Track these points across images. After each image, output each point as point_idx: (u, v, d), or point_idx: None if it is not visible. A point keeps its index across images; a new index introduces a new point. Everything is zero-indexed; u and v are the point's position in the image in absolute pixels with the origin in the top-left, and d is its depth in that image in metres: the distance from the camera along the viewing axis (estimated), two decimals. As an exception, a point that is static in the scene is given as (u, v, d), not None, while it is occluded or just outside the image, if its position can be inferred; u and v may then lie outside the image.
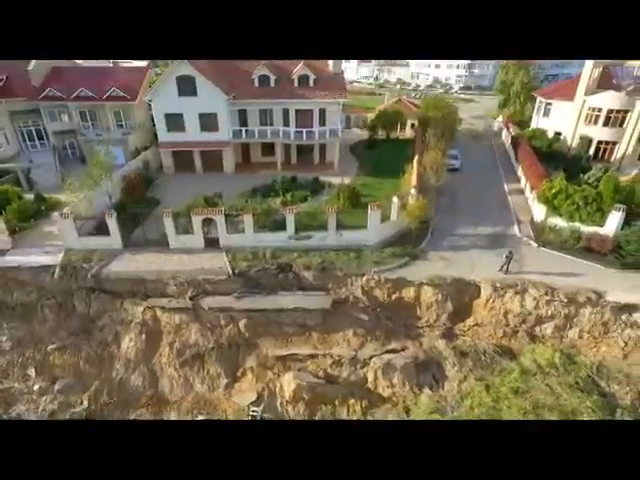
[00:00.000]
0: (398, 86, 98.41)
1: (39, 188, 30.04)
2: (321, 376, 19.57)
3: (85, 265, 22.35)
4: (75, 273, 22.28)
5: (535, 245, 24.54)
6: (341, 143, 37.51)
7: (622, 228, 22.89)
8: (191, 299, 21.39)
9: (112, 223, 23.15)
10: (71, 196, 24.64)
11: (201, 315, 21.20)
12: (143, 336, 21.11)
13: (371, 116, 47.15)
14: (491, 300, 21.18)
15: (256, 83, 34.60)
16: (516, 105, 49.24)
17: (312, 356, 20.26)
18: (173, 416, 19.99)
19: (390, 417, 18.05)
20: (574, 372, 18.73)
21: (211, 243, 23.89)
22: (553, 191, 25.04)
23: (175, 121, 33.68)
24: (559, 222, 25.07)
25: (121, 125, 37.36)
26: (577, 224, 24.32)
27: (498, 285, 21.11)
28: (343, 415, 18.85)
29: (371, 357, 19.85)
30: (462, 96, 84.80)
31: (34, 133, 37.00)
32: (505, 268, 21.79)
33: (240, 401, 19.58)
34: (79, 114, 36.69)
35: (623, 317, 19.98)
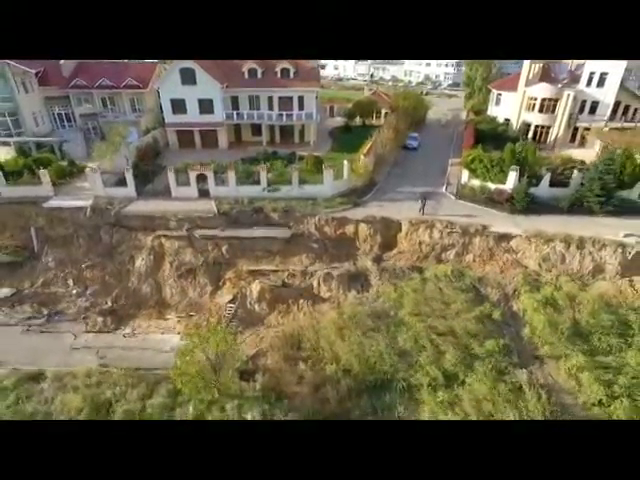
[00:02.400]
0: (391, 83, 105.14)
1: (69, 157, 37.66)
2: (279, 284, 26.86)
3: (109, 207, 29.86)
4: (101, 213, 29.80)
5: (454, 198, 31.61)
6: (319, 126, 44.70)
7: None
8: (187, 231, 28.79)
9: (129, 177, 30.68)
10: (98, 157, 32.14)
11: (194, 242, 28.62)
12: (151, 257, 28.59)
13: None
14: (409, 233, 28.34)
15: (246, 75, 41.98)
16: (479, 97, 56.06)
17: (274, 271, 27.57)
18: (172, 315, 27.41)
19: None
20: (461, 281, 25.87)
21: (203, 193, 31.28)
22: (470, 158, 32.06)
23: (179, 105, 41.16)
24: (475, 182, 32.07)
25: (135, 109, 44.94)
26: (487, 183, 31.32)
27: (414, 222, 28.24)
28: (295, 310, 26.10)
29: (317, 271, 27.10)
30: (446, 92, 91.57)
31: (64, 116, 44.69)
32: (422, 210, 28.89)
33: (221, 301, 26.96)
34: (100, 100, 44.31)
35: (503, 244, 27.01)
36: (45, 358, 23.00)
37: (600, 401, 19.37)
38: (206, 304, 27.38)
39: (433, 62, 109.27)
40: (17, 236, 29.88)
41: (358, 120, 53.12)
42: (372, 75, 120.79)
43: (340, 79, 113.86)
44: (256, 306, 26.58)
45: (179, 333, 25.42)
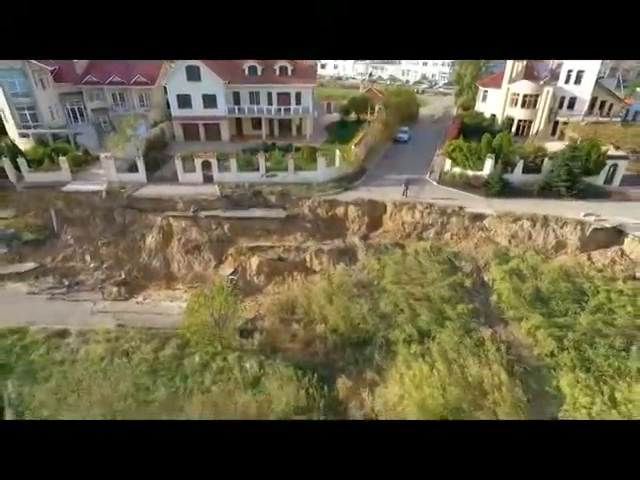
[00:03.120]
0: (389, 82, 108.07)
1: (84, 148, 40.76)
2: (276, 258, 29.89)
3: (122, 190, 32.94)
4: (115, 196, 32.88)
5: (436, 184, 34.61)
6: (316, 121, 47.67)
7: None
8: (193, 212, 31.83)
9: (140, 163, 33.78)
10: (111, 146, 35.26)
11: (199, 222, 31.67)
12: (160, 235, 31.65)
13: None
14: (393, 214, 31.36)
15: (246, 72, 45.02)
16: (468, 94, 58.96)
17: (271, 247, 30.60)
18: (179, 286, 30.45)
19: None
20: (438, 255, 28.87)
21: (208, 179, 34.35)
22: (451, 148, 35.05)
23: (184, 100, 44.23)
24: (456, 169, 35.05)
25: (143, 104, 47.98)
26: (467, 170, 34.29)
27: (398, 204, 31.25)
28: (290, 281, 29.10)
29: (309, 247, 30.14)
30: (442, 90, 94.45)
31: (76, 110, 47.78)
32: (405, 194, 31.88)
33: (223, 273, 29.99)
34: (111, 96, 47.39)
35: (477, 223, 30.00)
36: (68, 320, 26.04)
37: (552, 352, 22.35)
38: (210, 276, 30.36)
39: (430, 62, 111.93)
40: (39, 217, 32.95)
41: (353, 116, 56.08)
42: (371, 74, 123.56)
43: (339, 78, 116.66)
44: (255, 278, 29.62)
45: (186, 301, 28.45)
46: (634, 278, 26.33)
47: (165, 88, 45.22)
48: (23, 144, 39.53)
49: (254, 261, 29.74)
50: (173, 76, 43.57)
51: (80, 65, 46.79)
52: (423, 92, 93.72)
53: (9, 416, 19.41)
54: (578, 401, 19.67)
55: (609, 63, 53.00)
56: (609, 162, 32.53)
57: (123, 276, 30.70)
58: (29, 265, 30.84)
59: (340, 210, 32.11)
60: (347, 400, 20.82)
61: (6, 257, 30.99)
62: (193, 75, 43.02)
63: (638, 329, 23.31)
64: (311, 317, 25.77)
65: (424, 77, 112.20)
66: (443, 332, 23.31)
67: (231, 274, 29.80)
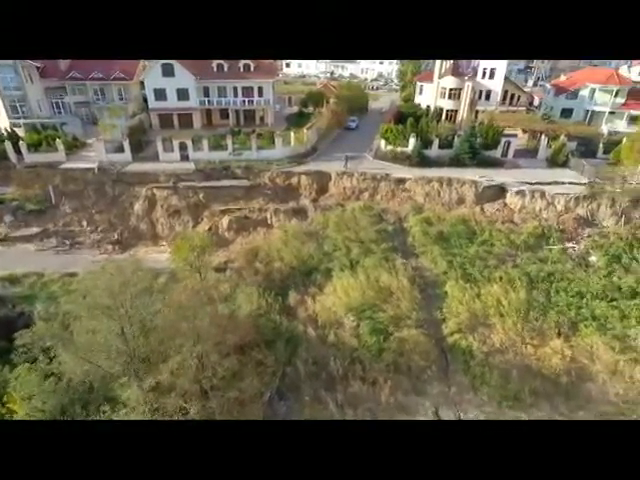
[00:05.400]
0: (348, 79, 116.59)
1: (72, 135, 46.65)
2: (242, 217, 37.30)
3: (112, 167, 39.41)
4: (105, 172, 39.30)
5: (371, 158, 42.93)
6: (278, 113, 55.18)
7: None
8: (173, 183, 38.74)
9: (126, 145, 40.36)
10: (102, 130, 41.62)
11: (179, 191, 38.63)
12: (146, 203, 38.41)
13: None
14: (336, 181, 39.40)
15: (214, 69, 52.00)
16: (409, 89, 67.99)
17: (239, 209, 37.99)
18: (164, 243, 37.33)
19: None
20: (371, 211, 37.06)
21: (184, 158, 41.26)
22: (385, 129, 43.46)
23: (160, 93, 50.74)
24: (389, 147, 43.45)
25: (122, 98, 54.04)
26: (396, 147, 42.75)
27: (339, 173, 39.33)
28: (254, 234, 36.54)
29: (269, 208, 37.71)
30: (395, 87, 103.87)
31: (60, 103, 53.32)
32: (346, 166, 39.98)
33: (201, 230, 37.11)
34: (92, 90, 53.19)
35: (400, 186, 38.46)
36: (73, 267, 32.52)
37: (444, 271, 30.89)
38: (189, 234, 37.37)
39: (385, 61, 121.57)
40: (39, 191, 38.95)
41: (311, 108, 63.90)
42: (332, 73, 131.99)
43: (303, 76, 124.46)
44: (226, 233, 36.95)
45: (170, 253, 35.37)
46: (511, 222, 35.44)
47: (142, 83, 51.57)
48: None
49: (225, 220, 37.04)
50: (150, 72, 50.05)
51: (64, 62, 52.37)
52: (378, 88, 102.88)
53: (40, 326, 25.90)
54: (455, 296, 28.25)
55: (522, 62, 63.01)
56: (503, 139, 41.77)
57: (116, 237, 37.31)
58: (34, 230, 36.93)
59: (294, 179, 39.83)
60: (296, 305, 28.64)
61: (13, 224, 36.96)
62: (168, 71, 49.63)
63: (507, 254, 32.30)
64: (271, 258, 33.36)
65: (380, 75, 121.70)
66: (368, 260, 31.46)
67: (207, 230, 36.95)
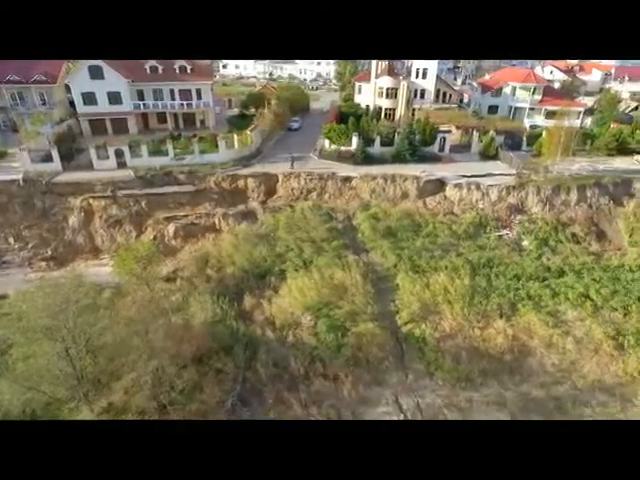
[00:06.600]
0: (287, 80, 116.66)
1: (-12, 145, 42.46)
2: (189, 224, 36.16)
3: (40, 178, 36.40)
4: (33, 183, 36.22)
5: (317, 158, 43.45)
6: (219, 115, 53.94)
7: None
8: (111, 192, 36.62)
9: (55, 153, 37.49)
10: (24, 139, 38.29)
11: (118, 200, 36.59)
12: (82, 215, 35.97)
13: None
14: (284, 182, 39.43)
15: (148, 71, 49.76)
16: (348, 89, 69.55)
17: (185, 216, 36.78)
18: (105, 255, 35.20)
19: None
20: (320, 210, 37.50)
21: (122, 165, 39.13)
22: (327, 129, 44.16)
23: (89, 97, 47.60)
24: (333, 146, 44.20)
25: (45, 103, 50.01)
26: (340, 146, 43.59)
27: (286, 174, 39.39)
28: (203, 240, 35.55)
29: (217, 213, 36.89)
30: (334, 87, 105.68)
31: (-28, 110, 48.25)
32: (292, 166, 40.12)
33: (146, 240, 35.42)
34: (9, 95, 48.70)
35: (347, 184, 39.33)
36: (3, 289, 29.64)
37: (395, 265, 32.06)
38: (133, 245, 35.55)
39: (323, 61, 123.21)
40: (-47, 208, 35.06)
41: (252, 110, 63.23)
42: (271, 74, 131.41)
43: (241, 77, 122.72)
44: (172, 241, 35.62)
45: (112, 266, 33.43)
46: (452, 213, 37.59)
47: (68, 86, 48.10)
48: None
49: (171, 228, 35.68)
50: (76, 75, 46.81)
51: (-27, 65, 47.43)
52: (318, 89, 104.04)
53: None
54: (406, 287, 29.46)
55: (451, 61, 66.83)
56: (439, 135, 44.12)
57: (50, 253, 34.57)
58: (-49, 251, 33.18)
59: (241, 182, 39.28)
60: (252, 309, 28.33)
61: None
62: (96, 74, 46.69)
63: (451, 244, 34.23)
64: (223, 263, 32.67)
65: (319, 75, 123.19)
66: (320, 259, 31.85)
67: (152, 239, 35.35)
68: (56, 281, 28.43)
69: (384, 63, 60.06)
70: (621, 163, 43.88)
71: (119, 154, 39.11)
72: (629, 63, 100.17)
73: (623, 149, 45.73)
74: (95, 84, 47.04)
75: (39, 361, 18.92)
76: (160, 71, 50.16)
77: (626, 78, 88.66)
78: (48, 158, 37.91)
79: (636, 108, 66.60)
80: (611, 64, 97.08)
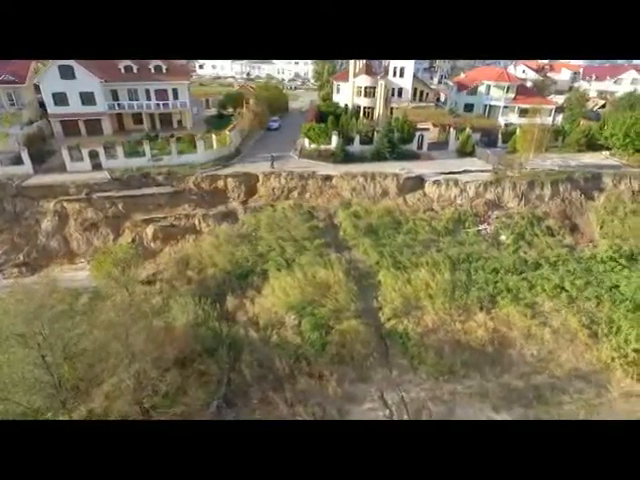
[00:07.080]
0: (265, 80, 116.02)
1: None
2: (168, 225, 35.53)
3: (9, 181, 35.11)
4: (3, 186, 34.91)
5: (297, 158, 43.38)
6: (197, 115, 53.17)
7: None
8: (86, 194, 35.62)
9: (25, 155, 36.21)
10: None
11: (93, 202, 35.63)
12: (56, 218, 34.86)
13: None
14: (264, 182, 39.21)
15: (122, 70, 48.63)
16: (327, 88, 69.70)
17: (164, 217, 36.10)
18: (82, 260, 34.23)
19: None
20: (301, 209, 37.44)
21: (97, 167, 38.12)
22: (307, 128, 44.13)
23: (60, 98, 46.17)
24: (313, 145, 44.21)
25: (13, 103, 48.24)
26: (320, 145, 43.64)
27: (267, 174, 39.18)
28: (183, 242, 34.99)
29: (197, 214, 36.38)
30: (312, 86, 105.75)
31: None
32: (272, 166, 39.93)
33: (124, 242, 34.62)
34: (-25, 95, 46.77)
35: (328, 183, 39.41)
36: (-27, 297, 28.49)
37: (377, 262, 32.31)
38: (110, 248, 34.68)
39: (301, 61, 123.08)
40: None
41: (230, 110, 62.62)
42: (248, 74, 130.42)
43: (218, 77, 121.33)
44: (152, 244, 34.92)
45: (89, 270, 32.54)
46: (431, 210, 38.15)
47: (37, 86, 46.54)
48: None
49: (149, 230, 34.98)
50: (45, 75, 45.32)
51: None
52: (296, 88, 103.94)
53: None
54: (388, 284, 29.73)
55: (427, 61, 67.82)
56: (417, 133, 44.70)
57: (22, 258, 33.37)
58: None
59: (221, 183, 38.84)
60: (235, 310, 28.06)
61: None
62: (67, 74, 45.33)
63: (431, 240, 34.72)
64: (203, 264, 32.24)
65: (297, 75, 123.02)
66: (303, 257, 31.81)
67: (131, 241, 34.57)
68: (29, 287, 27.61)
69: (362, 62, 60.42)
70: (590, 158, 45.48)
71: (93, 155, 38.09)
72: (596, 63, 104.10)
73: (592, 145, 47.43)
74: (66, 84, 45.66)
75: (14, 370, 18.22)
76: (135, 71, 49.11)
77: (593, 77, 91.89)
78: (18, 160, 36.59)
79: (603, 106, 69.09)
80: (579, 64, 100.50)
